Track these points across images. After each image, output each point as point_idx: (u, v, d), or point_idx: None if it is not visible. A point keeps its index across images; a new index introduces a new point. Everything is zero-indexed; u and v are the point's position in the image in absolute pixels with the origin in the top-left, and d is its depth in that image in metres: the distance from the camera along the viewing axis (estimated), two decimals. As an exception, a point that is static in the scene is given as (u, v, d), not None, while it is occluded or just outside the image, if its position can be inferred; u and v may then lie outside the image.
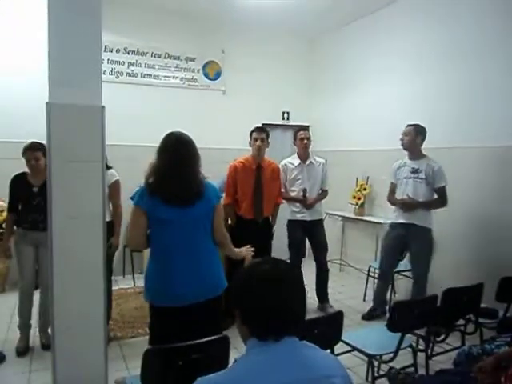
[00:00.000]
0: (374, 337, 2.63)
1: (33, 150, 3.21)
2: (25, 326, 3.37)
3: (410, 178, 3.84)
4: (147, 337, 3.50)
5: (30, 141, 3.31)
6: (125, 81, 5.30)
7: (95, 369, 1.73)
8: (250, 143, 3.95)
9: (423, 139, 3.84)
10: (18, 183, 3.27)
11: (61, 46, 1.59)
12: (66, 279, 1.67)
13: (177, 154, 2.12)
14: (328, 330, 2.16)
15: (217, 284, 2.32)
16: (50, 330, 3.38)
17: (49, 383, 2.85)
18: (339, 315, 2.23)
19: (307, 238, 4.37)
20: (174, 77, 5.59)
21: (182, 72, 5.63)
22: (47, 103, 1.59)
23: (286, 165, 4.32)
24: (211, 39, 5.76)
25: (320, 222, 4.37)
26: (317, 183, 4.31)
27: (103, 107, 1.68)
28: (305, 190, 4.20)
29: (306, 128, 4.32)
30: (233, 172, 3.92)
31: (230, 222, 3.93)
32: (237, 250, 2.55)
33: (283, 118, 6.40)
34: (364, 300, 4.59)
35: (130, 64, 5.34)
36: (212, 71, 5.83)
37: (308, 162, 4.29)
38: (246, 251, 2.57)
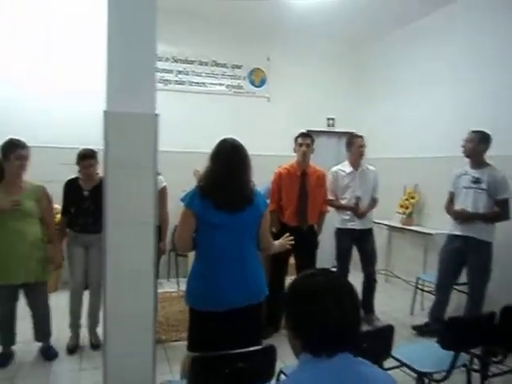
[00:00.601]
0: (425, 353, 2.51)
1: (89, 158, 3.35)
2: (75, 325, 3.49)
3: (471, 188, 3.62)
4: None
5: (82, 147, 3.45)
6: (173, 88, 5.43)
7: (143, 371, 1.76)
8: (294, 149, 3.92)
9: (487, 147, 3.60)
10: (71, 187, 3.43)
11: (118, 57, 1.64)
12: (118, 282, 1.71)
13: (230, 160, 2.15)
14: (377, 344, 2.08)
15: (259, 290, 2.31)
16: (98, 330, 3.57)
17: (98, 382, 2.95)
18: (389, 329, 2.14)
19: (356, 248, 4.25)
20: (220, 84, 5.67)
21: (228, 79, 5.71)
22: (105, 111, 1.64)
23: (336, 172, 4.21)
24: (257, 47, 5.80)
25: (370, 231, 4.25)
26: (368, 191, 4.18)
27: (157, 115, 1.71)
28: (358, 198, 4.08)
29: (361, 136, 4.19)
30: (277, 178, 3.90)
31: (273, 229, 3.90)
32: (276, 242, 2.53)
33: (328, 125, 6.33)
34: (411, 313, 4.42)
35: (178, 72, 5.47)
36: (257, 78, 5.87)
37: (360, 170, 4.17)
38: (285, 242, 2.56)
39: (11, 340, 3.26)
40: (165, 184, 3.55)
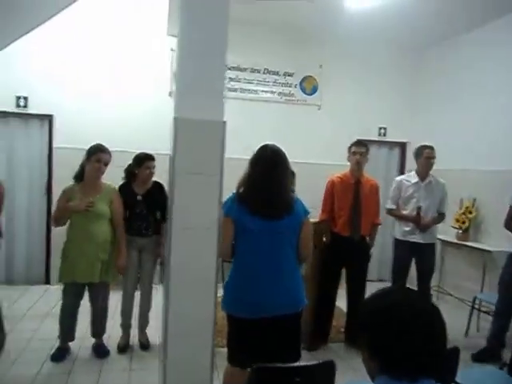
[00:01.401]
0: (490, 380, 2.35)
1: (151, 160, 3.45)
2: (126, 325, 3.57)
3: None
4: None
5: (139, 151, 3.55)
6: (228, 95, 5.48)
7: (202, 375, 1.75)
8: (348, 158, 3.84)
9: None
10: (125, 191, 3.51)
11: (189, 65, 1.66)
12: (181, 287, 1.72)
13: (269, 166, 2.11)
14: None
15: (297, 300, 2.25)
16: (147, 331, 3.63)
17: (147, 383, 3.00)
18: (454, 352, 2.02)
19: (414, 261, 4.06)
20: (271, 91, 5.68)
21: (280, 87, 5.70)
22: (175, 118, 1.66)
23: (401, 181, 4.08)
24: (309, 54, 5.76)
25: (432, 247, 4.04)
26: (434, 204, 3.99)
27: (225, 122, 1.71)
28: (419, 208, 3.91)
29: (430, 146, 4.02)
30: (330, 187, 3.83)
31: (324, 238, 3.82)
32: None
33: (379, 134, 6.17)
34: (466, 334, 4.18)
35: (231, 79, 5.52)
36: (309, 86, 5.83)
37: (427, 181, 3.99)
38: None
39: (71, 335, 3.38)
40: None
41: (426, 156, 3.96)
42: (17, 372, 3.07)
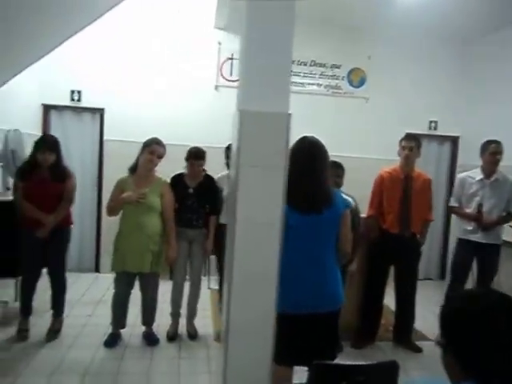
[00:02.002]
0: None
1: (199, 158, 3.47)
2: (175, 315, 3.64)
3: None
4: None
5: (192, 145, 3.58)
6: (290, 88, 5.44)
7: (261, 369, 1.74)
8: (398, 152, 3.71)
9: None
10: (177, 183, 3.56)
11: (255, 57, 1.63)
12: (243, 281, 1.71)
13: (307, 158, 2.06)
14: None
15: (336, 298, 2.18)
16: (195, 322, 3.69)
17: (195, 372, 3.04)
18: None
19: (476, 262, 3.87)
20: (318, 84, 5.58)
21: (327, 79, 5.60)
22: (239, 110, 1.65)
23: (464, 178, 3.88)
24: (358, 45, 5.61)
25: (496, 248, 3.79)
26: (500, 203, 3.74)
27: (290, 115, 1.68)
28: (480, 206, 3.70)
29: (496, 141, 3.78)
30: (379, 181, 3.72)
31: (371, 235, 3.72)
32: None
33: (430, 128, 5.94)
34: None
35: (277, 72, 5.47)
36: (356, 78, 5.69)
37: (493, 179, 3.75)
38: None
39: (122, 323, 3.49)
40: None
41: (490, 151, 3.72)
42: (73, 356, 3.19)
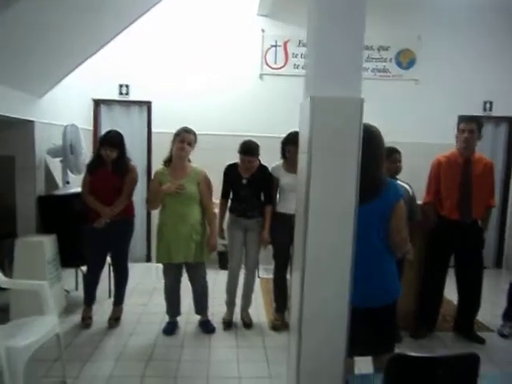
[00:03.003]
0: None
1: (250, 155, 3.43)
2: (231, 303, 3.67)
3: None
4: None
5: (247, 139, 3.56)
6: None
7: (336, 358, 1.72)
8: (456, 136, 3.54)
9: None
10: (230, 172, 3.56)
11: (325, 42, 1.58)
12: (316, 271, 1.68)
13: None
14: None
15: (390, 291, 2.08)
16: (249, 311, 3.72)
17: (254, 360, 3.06)
18: None
19: None
20: (364, 68, 5.41)
21: (374, 62, 5.42)
22: (311, 96, 1.60)
23: None
24: (406, 25, 5.39)
25: None
26: None
27: (362, 99, 1.62)
28: None
29: None
30: (436, 167, 3.57)
31: (429, 222, 3.58)
32: None
33: (484, 109, 5.65)
34: None
35: (322, 57, 5.35)
36: (405, 59, 5.47)
37: None
38: None
39: (177, 311, 3.57)
40: None
41: None
42: (135, 343, 3.29)
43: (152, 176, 5.13)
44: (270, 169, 3.57)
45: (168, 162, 3.37)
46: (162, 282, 3.55)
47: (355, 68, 1.62)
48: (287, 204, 3.44)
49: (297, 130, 3.45)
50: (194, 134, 3.35)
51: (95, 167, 3.47)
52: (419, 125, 5.31)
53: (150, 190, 3.39)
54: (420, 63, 5.46)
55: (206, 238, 3.40)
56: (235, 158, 3.61)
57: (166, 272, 3.45)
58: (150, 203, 3.41)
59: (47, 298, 2.63)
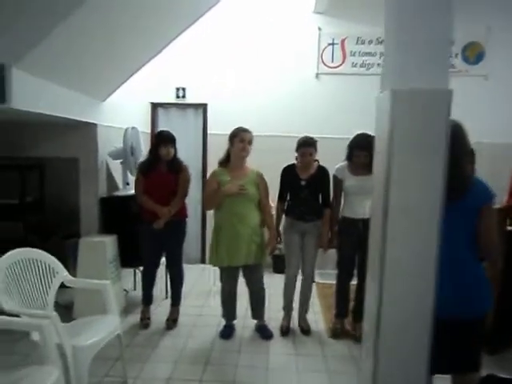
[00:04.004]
0: None
1: (308, 145, 3.33)
2: (288, 308, 3.57)
3: None
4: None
5: (302, 135, 3.45)
6: (376, 72, 5.12)
7: (417, 363, 1.56)
8: None
9: None
10: (288, 174, 3.45)
11: (407, 29, 1.44)
12: (396, 278, 1.53)
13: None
14: None
15: (482, 301, 1.85)
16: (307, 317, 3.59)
17: (318, 370, 2.92)
18: None
19: None
20: (427, 64, 5.12)
21: (437, 58, 5.10)
22: (392, 89, 1.46)
23: None
24: (473, 16, 5.00)
25: None
26: None
27: (451, 91, 1.46)
28: None
29: None
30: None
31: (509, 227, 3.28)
32: None
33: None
34: None
35: (382, 55, 5.10)
36: (472, 54, 5.11)
37: None
38: None
39: (233, 315, 3.51)
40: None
41: None
42: (193, 345, 3.27)
43: (207, 177, 5.26)
44: (334, 170, 3.42)
45: (225, 162, 3.33)
46: (218, 284, 3.50)
47: (442, 56, 1.47)
48: (353, 208, 3.29)
49: (362, 131, 3.36)
50: (251, 132, 3.29)
51: (150, 168, 3.48)
52: (491, 123, 4.93)
53: (207, 190, 3.33)
54: (489, 57, 5.08)
55: (264, 239, 3.33)
56: (291, 160, 3.52)
57: (224, 275, 3.39)
58: (208, 204, 3.37)
59: (110, 297, 2.66)
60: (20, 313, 2.17)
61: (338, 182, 3.38)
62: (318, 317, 3.88)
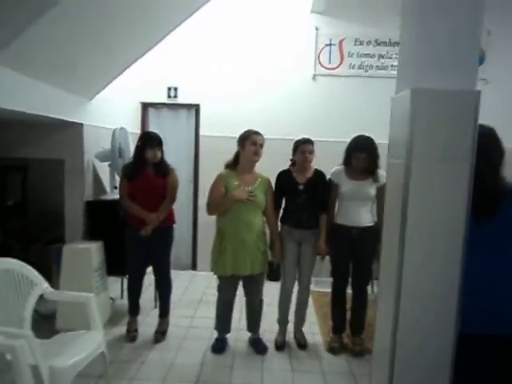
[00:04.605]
0: None
1: (309, 143, 3.17)
2: (284, 321, 3.39)
3: None
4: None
5: (301, 137, 3.29)
6: (374, 74, 4.99)
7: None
8: None
9: None
10: (284, 179, 3.28)
11: (430, 22, 1.28)
12: (415, 297, 1.37)
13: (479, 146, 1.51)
14: None
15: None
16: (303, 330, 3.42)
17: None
18: None
19: None
20: (427, 67, 4.99)
21: (437, 61, 4.98)
22: (412, 89, 1.30)
23: None
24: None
25: None
26: None
27: (479, 92, 1.30)
28: None
29: None
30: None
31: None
32: None
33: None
34: None
35: (381, 56, 5.00)
36: (473, 57, 5.00)
37: None
38: None
39: (228, 327, 3.32)
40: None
41: None
42: (182, 361, 3.07)
43: (199, 179, 5.09)
44: (330, 174, 3.26)
45: (232, 165, 3.14)
46: (209, 292, 3.30)
47: (469, 53, 1.30)
48: (347, 214, 3.13)
49: (359, 134, 3.21)
50: (262, 135, 3.12)
51: (136, 171, 3.25)
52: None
53: (212, 193, 3.08)
54: (490, 61, 4.96)
55: (267, 247, 3.17)
56: (286, 164, 3.36)
57: (222, 286, 3.19)
58: (214, 209, 3.09)
59: (93, 311, 2.46)
60: (-9, 331, 1.96)
61: (334, 186, 3.21)
62: (314, 328, 3.71)
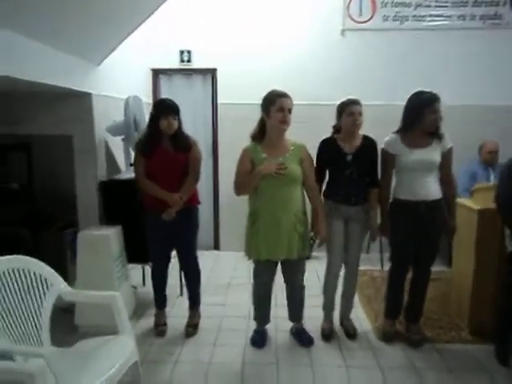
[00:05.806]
0: None
1: (356, 104, 2.70)
2: (330, 308, 3.02)
3: None
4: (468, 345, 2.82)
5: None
6: (410, 26, 4.44)
7: None
8: None
9: None
10: (328, 148, 2.82)
11: None
12: None
13: None
14: None
15: None
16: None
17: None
18: None
19: None
20: (471, 15, 4.43)
21: (482, 8, 4.42)
22: None
23: None
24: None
25: None
26: None
27: None
28: None
29: None
30: None
31: None
32: None
33: None
34: None
35: (417, 5, 4.43)
36: (523, 2, 4.42)
37: None
38: None
39: (268, 318, 2.98)
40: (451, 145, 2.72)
41: None
42: (221, 358, 2.72)
43: (219, 152, 4.64)
44: (383, 144, 2.80)
45: (258, 136, 2.69)
46: (237, 275, 2.92)
47: None
48: (413, 188, 2.68)
49: (417, 91, 2.73)
50: (290, 97, 2.64)
51: (151, 146, 2.81)
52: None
53: (238, 171, 2.67)
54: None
55: (308, 229, 2.75)
56: (320, 132, 2.90)
57: (259, 271, 2.80)
58: (241, 188, 2.68)
59: (120, 312, 2.10)
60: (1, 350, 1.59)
61: (390, 157, 2.76)
62: (359, 312, 3.34)
